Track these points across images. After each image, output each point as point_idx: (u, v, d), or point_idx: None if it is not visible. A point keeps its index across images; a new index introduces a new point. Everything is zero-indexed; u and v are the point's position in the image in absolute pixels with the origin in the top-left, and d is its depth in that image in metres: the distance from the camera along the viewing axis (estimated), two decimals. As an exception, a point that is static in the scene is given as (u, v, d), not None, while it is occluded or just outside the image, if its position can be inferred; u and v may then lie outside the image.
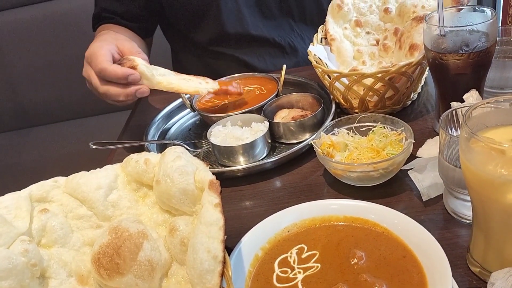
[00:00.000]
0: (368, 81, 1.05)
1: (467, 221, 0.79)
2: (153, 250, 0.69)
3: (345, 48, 1.24)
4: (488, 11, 0.88)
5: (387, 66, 1.08)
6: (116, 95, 1.10)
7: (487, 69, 0.92)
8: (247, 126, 1.10)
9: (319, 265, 0.70)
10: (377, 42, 1.25)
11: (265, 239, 0.75)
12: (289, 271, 0.70)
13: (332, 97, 1.16)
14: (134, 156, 0.78)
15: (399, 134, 0.93)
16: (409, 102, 1.15)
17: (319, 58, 1.17)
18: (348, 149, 0.93)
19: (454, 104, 0.84)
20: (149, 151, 1.09)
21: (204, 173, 0.69)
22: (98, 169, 0.79)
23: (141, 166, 0.76)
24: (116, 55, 1.15)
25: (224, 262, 0.61)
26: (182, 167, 0.70)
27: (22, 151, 2.36)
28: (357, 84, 1.06)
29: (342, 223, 0.76)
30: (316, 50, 1.18)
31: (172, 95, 1.36)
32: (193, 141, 1.20)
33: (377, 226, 0.74)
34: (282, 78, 1.24)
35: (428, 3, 1.15)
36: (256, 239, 0.74)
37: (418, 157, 0.90)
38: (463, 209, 0.79)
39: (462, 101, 0.86)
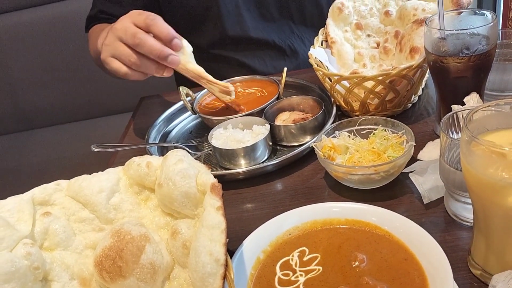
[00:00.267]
0: (369, 84, 1.05)
1: (468, 224, 0.79)
2: (155, 253, 0.69)
3: (346, 51, 1.25)
4: (489, 14, 0.89)
5: (387, 69, 1.08)
6: (150, 46, 1.03)
7: (487, 72, 0.93)
8: (248, 128, 1.10)
9: (320, 268, 0.70)
10: (378, 45, 1.26)
11: (266, 242, 0.75)
12: (291, 274, 0.70)
13: (333, 99, 1.17)
14: (136, 159, 0.78)
15: (400, 137, 0.93)
16: (409, 105, 1.16)
17: (319, 61, 1.17)
18: (349, 152, 0.94)
19: (455, 107, 0.84)
20: (151, 154, 1.10)
21: (206, 176, 0.70)
22: (100, 172, 0.80)
23: (143, 169, 0.76)
24: None
25: (226, 265, 0.61)
26: (184, 170, 0.71)
27: (23, 154, 2.36)
28: (358, 87, 1.06)
29: (344, 226, 0.77)
30: (316, 53, 1.19)
31: (173, 98, 1.37)
32: (194, 144, 1.20)
33: (379, 229, 0.74)
34: (283, 81, 1.24)
35: (429, 6, 1.15)
36: (257, 242, 0.75)
37: (419, 159, 0.90)
38: (464, 211, 0.79)
39: (463, 104, 0.87)
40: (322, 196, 0.94)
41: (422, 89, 1.20)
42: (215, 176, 0.69)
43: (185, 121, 1.32)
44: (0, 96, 2.41)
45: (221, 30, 1.50)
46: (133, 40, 1.03)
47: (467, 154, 0.62)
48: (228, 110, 1.22)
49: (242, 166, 1.04)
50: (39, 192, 0.76)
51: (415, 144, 0.90)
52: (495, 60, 0.93)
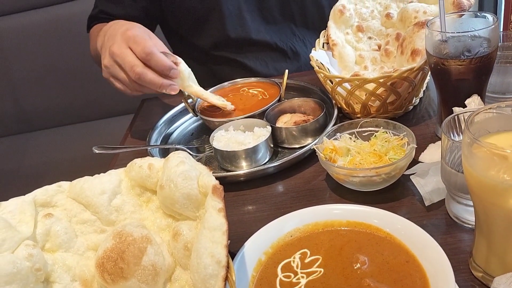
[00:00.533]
0: (370, 86, 1.05)
1: (470, 226, 0.79)
2: (157, 255, 0.69)
3: (347, 53, 1.25)
4: (490, 16, 0.89)
5: (389, 71, 1.08)
6: (150, 81, 1.08)
7: (488, 75, 0.93)
8: (250, 131, 1.10)
9: (322, 269, 0.70)
10: (379, 47, 1.26)
11: (268, 244, 0.75)
12: (292, 275, 0.70)
13: (334, 102, 1.17)
14: (137, 161, 0.78)
15: (401, 139, 0.93)
16: (411, 107, 1.16)
17: (321, 63, 1.17)
18: (351, 154, 0.94)
19: (456, 110, 0.84)
20: (152, 156, 1.10)
21: (207, 178, 0.70)
22: (102, 173, 0.80)
23: (144, 171, 0.76)
24: None
25: (228, 267, 0.61)
26: (185, 172, 0.71)
27: (25, 155, 2.37)
28: (359, 89, 1.06)
29: (345, 228, 0.77)
30: (318, 55, 1.19)
31: (174, 100, 1.37)
32: (195, 146, 1.20)
33: (380, 231, 0.74)
34: (284, 83, 1.24)
35: (430, 8, 1.16)
36: (259, 244, 0.75)
37: (420, 162, 0.90)
38: (466, 214, 0.79)
39: (464, 106, 0.87)
40: (324, 198, 0.94)
41: (424, 91, 1.21)
42: (216, 178, 0.69)
43: (187, 123, 1.32)
44: (2, 98, 2.42)
45: (223, 32, 1.51)
46: (131, 73, 1.09)
47: (468, 156, 0.62)
48: (229, 113, 1.22)
49: (244, 168, 1.04)
50: (40, 193, 0.76)
51: (416, 146, 0.90)
52: (496, 63, 0.93)
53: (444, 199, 0.85)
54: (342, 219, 0.77)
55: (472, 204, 0.69)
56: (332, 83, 1.11)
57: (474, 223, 0.71)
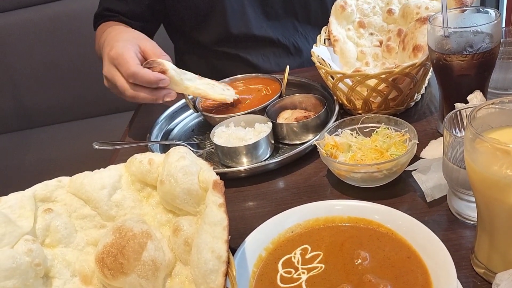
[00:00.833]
0: (372, 82, 1.05)
1: (472, 222, 0.78)
2: (157, 250, 0.69)
3: (349, 49, 1.24)
4: (492, 12, 0.88)
5: (390, 67, 1.08)
6: (143, 100, 1.11)
7: (491, 70, 0.92)
8: (250, 127, 1.10)
9: (323, 265, 0.70)
10: (381, 43, 1.25)
11: (268, 240, 0.75)
12: (293, 271, 0.70)
13: (335, 98, 1.16)
14: (138, 156, 0.78)
15: (403, 135, 0.93)
16: (412, 103, 1.15)
17: (322, 59, 1.17)
18: (352, 150, 0.93)
19: (458, 105, 0.84)
20: (153, 152, 1.09)
21: (208, 173, 0.69)
22: (102, 169, 0.79)
23: (145, 166, 0.76)
24: (139, 55, 1.14)
25: (228, 262, 0.61)
26: (186, 167, 0.70)
27: (25, 152, 2.37)
28: (361, 85, 1.06)
29: (346, 224, 0.76)
30: (319, 51, 1.18)
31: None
32: (196, 142, 1.20)
33: (381, 226, 0.74)
34: (285, 79, 1.24)
35: (432, 4, 1.15)
36: (259, 240, 0.74)
37: (422, 158, 0.90)
38: (468, 210, 0.79)
39: (466, 102, 0.86)
40: (325, 195, 0.94)
41: (425, 87, 1.20)
42: (217, 174, 0.69)
43: (187, 119, 1.32)
44: (3, 95, 2.42)
45: (226, 28, 1.50)
46: (125, 96, 1.12)
47: (471, 152, 0.62)
48: (230, 108, 1.22)
49: (244, 164, 1.04)
50: (40, 188, 0.76)
51: (418, 142, 0.89)
52: (498, 59, 0.92)
53: (446, 195, 0.84)
54: (343, 215, 0.77)
55: (474, 200, 0.69)
56: (333, 79, 1.11)
57: (476, 219, 0.71)
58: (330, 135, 0.96)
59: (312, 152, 1.04)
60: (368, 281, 0.65)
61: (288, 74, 1.24)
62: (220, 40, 1.54)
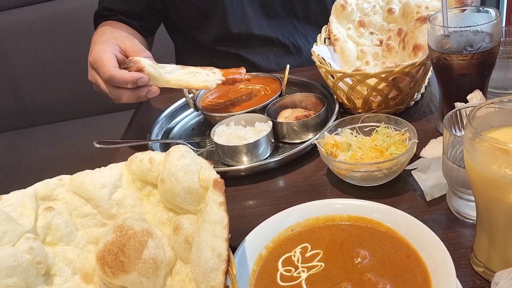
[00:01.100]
0: (372, 81, 1.05)
1: (471, 221, 0.79)
2: (158, 248, 0.69)
3: (349, 48, 1.24)
4: (492, 11, 0.89)
5: (390, 66, 1.08)
6: (127, 98, 1.11)
7: (491, 70, 0.92)
8: (251, 125, 1.10)
9: (323, 264, 0.70)
10: (381, 42, 1.25)
11: (269, 238, 0.75)
12: (293, 270, 0.70)
13: (335, 97, 1.16)
14: (138, 155, 0.78)
15: (403, 134, 0.93)
16: (412, 103, 1.16)
17: (322, 58, 1.17)
18: (352, 149, 0.94)
19: (458, 105, 0.84)
20: (153, 150, 1.10)
21: (208, 172, 0.70)
22: (102, 167, 0.80)
23: (145, 165, 0.76)
24: (119, 55, 1.15)
25: (229, 261, 0.61)
26: (186, 166, 0.71)
27: (25, 150, 2.37)
28: (361, 84, 1.06)
29: (346, 223, 0.77)
30: (319, 50, 1.19)
31: (175, 95, 1.37)
32: (196, 141, 1.20)
33: (381, 225, 0.74)
34: (285, 78, 1.24)
35: (432, 3, 1.15)
36: (260, 238, 0.75)
37: (421, 157, 0.90)
38: (467, 209, 0.79)
39: (466, 101, 0.86)
40: (325, 193, 0.94)
41: (425, 87, 1.20)
42: (217, 173, 0.69)
43: (188, 118, 1.32)
44: (3, 93, 2.42)
45: (226, 28, 1.50)
46: (110, 97, 1.14)
47: (470, 151, 0.62)
48: (230, 107, 1.22)
49: (244, 163, 1.04)
50: (41, 187, 0.76)
51: (418, 141, 0.89)
52: (498, 58, 0.93)
53: (445, 194, 0.84)
54: (343, 214, 0.77)
55: (473, 199, 0.69)
56: (333, 78, 1.11)
57: (475, 218, 0.71)
58: (330, 134, 0.97)
59: (312, 151, 1.05)
60: (368, 280, 0.66)
61: (288, 73, 1.25)
62: (220, 40, 1.54)
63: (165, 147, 1.17)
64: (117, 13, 1.47)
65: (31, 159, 2.32)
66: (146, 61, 1.09)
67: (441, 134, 0.80)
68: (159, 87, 1.11)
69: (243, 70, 1.22)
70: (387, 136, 0.93)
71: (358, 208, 0.77)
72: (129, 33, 1.34)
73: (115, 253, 0.68)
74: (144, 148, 1.13)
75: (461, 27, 0.90)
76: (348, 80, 1.08)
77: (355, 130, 0.98)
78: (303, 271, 0.70)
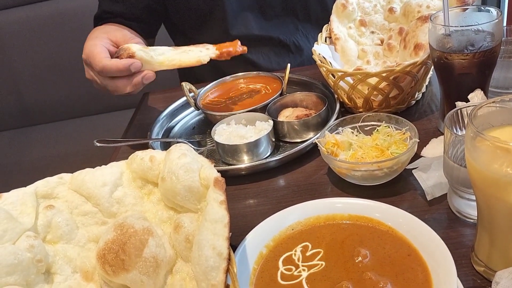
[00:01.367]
0: (373, 81, 1.05)
1: (472, 221, 0.79)
2: (158, 247, 0.69)
3: (350, 48, 1.24)
4: (494, 11, 0.88)
5: (391, 65, 1.08)
6: (124, 87, 1.11)
7: (492, 69, 0.92)
8: (251, 124, 1.10)
9: (323, 263, 0.70)
10: (382, 41, 1.25)
11: (269, 237, 0.75)
12: (294, 268, 0.70)
13: (336, 96, 1.16)
14: (139, 153, 0.78)
15: (404, 134, 0.93)
16: (413, 102, 1.15)
17: (323, 57, 1.17)
18: (353, 148, 0.94)
19: (459, 104, 0.84)
20: (154, 149, 1.10)
21: (209, 171, 0.70)
22: (103, 166, 0.80)
23: (146, 163, 0.76)
24: (111, 48, 1.15)
25: (229, 259, 0.61)
26: (187, 164, 0.71)
27: (26, 149, 2.37)
28: (362, 84, 1.06)
29: (347, 222, 0.76)
30: (320, 49, 1.18)
31: (176, 94, 1.37)
32: (197, 140, 1.20)
33: (382, 224, 0.74)
34: (286, 77, 1.24)
35: (433, 2, 1.15)
36: (260, 237, 0.75)
37: (422, 156, 0.90)
38: (468, 208, 0.79)
39: (467, 100, 0.86)
40: (325, 193, 0.94)
41: (426, 86, 1.20)
42: (218, 172, 0.69)
43: (188, 117, 1.32)
44: (3, 92, 2.42)
45: (226, 30, 1.50)
46: (107, 90, 1.14)
47: (471, 150, 0.62)
48: (231, 106, 1.22)
49: (245, 162, 1.04)
50: (42, 185, 0.76)
51: (418, 140, 0.89)
52: (499, 58, 0.92)
53: (446, 193, 0.84)
54: (343, 213, 0.77)
55: (474, 198, 0.69)
56: (334, 77, 1.11)
57: (476, 218, 0.71)
58: (331, 133, 0.97)
59: (313, 150, 1.05)
60: (369, 279, 0.66)
61: (289, 72, 1.25)
62: (220, 41, 1.54)
63: (165, 146, 1.17)
64: (116, 16, 1.47)
65: (32, 158, 2.32)
66: (136, 46, 1.09)
67: (442, 133, 0.80)
68: (154, 71, 1.11)
69: (238, 42, 1.21)
70: (388, 135, 0.93)
71: (359, 207, 0.77)
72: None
73: (116, 252, 0.68)
74: (145, 147, 1.13)
75: (462, 26, 0.90)
76: (349, 79, 1.08)
77: (356, 129, 0.98)
78: (304, 270, 0.70)
